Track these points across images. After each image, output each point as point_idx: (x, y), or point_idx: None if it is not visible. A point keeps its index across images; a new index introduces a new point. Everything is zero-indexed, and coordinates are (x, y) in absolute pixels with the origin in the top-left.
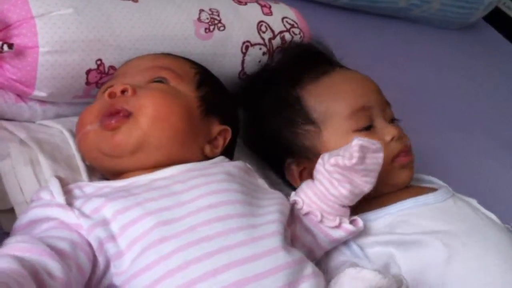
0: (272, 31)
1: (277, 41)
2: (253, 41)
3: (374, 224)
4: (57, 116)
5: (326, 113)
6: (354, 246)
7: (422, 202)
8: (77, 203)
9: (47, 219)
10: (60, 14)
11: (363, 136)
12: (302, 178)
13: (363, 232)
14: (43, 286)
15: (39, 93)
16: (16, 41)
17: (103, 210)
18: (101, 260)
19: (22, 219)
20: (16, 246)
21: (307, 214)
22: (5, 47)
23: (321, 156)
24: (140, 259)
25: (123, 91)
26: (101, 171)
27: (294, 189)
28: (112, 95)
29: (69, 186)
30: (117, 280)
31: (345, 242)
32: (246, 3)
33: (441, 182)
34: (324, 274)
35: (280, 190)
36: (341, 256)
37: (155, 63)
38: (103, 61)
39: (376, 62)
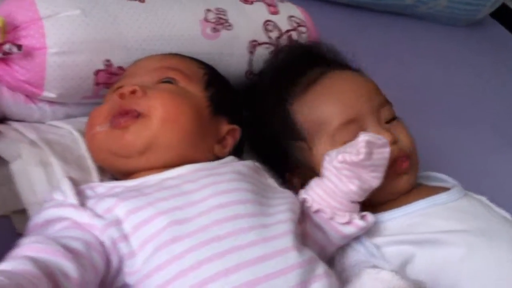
0: (279, 30)
1: (284, 40)
2: (260, 40)
3: (390, 224)
4: (67, 117)
5: (314, 129)
6: (370, 245)
7: (436, 202)
8: (90, 203)
9: (60, 219)
10: (67, 15)
11: None
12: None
13: (378, 232)
14: (58, 287)
15: (48, 94)
16: (24, 42)
17: (116, 210)
18: (114, 259)
19: (36, 219)
20: (31, 246)
21: (317, 211)
22: (14, 49)
23: (327, 153)
24: (153, 259)
25: (132, 92)
26: (110, 171)
27: None
28: (122, 96)
29: (80, 186)
30: (130, 280)
31: (360, 241)
32: (252, 2)
33: (452, 180)
34: (341, 273)
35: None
36: (357, 255)
37: (164, 63)
38: (111, 61)
39: (382, 59)
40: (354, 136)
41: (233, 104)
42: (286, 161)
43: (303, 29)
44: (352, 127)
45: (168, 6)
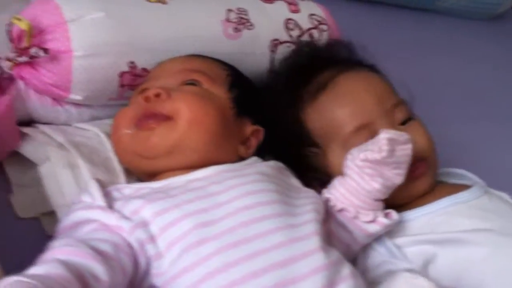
0: (300, 28)
1: (305, 38)
2: (281, 39)
3: (411, 223)
4: (93, 119)
5: (327, 136)
6: (391, 246)
7: (458, 200)
8: (117, 205)
9: (89, 221)
10: (92, 18)
11: None
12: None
13: (400, 232)
14: None
15: (75, 96)
16: (50, 46)
17: (142, 212)
18: (142, 261)
19: (65, 221)
20: (62, 249)
21: (341, 210)
22: (40, 53)
23: (349, 151)
24: (180, 261)
25: (157, 95)
26: (136, 173)
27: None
28: (147, 99)
29: (107, 188)
30: (157, 281)
31: (381, 242)
32: (273, 1)
33: (474, 177)
34: (363, 273)
35: None
36: (379, 256)
37: (187, 65)
38: (136, 63)
39: (403, 55)
40: (367, 141)
41: (256, 105)
42: (302, 166)
43: (324, 27)
44: (365, 131)
45: (190, 7)
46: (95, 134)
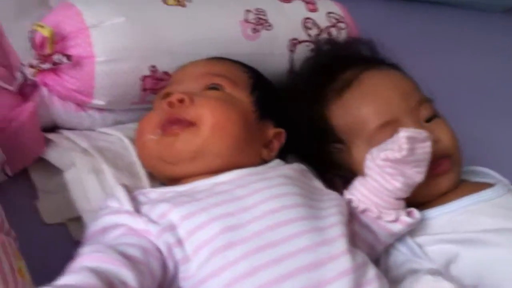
0: (318, 27)
1: (323, 37)
2: (300, 38)
3: (433, 222)
4: (116, 123)
5: (351, 133)
6: (412, 245)
7: (480, 198)
8: (144, 209)
9: (117, 225)
10: (113, 23)
11: None
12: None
13: (422, 230)
14: None
15: (98, 101)
16: (72, 52)
17: (170, 215)
18: (170, 265)
19: (93, 226)
20: (91, 256)
21: (364, 211)
22: (64, 59)
23: (369, 151)
24: (207, 264)
25: (180, 101)
26: (159, 178)
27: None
28: (170, 105)
29: (134, 193)
30: (185, 285)
31: (403, 241)
32: (290, 1)
33: (496, 174)
34: (385, 272)
35: None
36: (401, 255)
37: (209, 69)
38: (157, 67)
39: (419, 50)
40: (391, 137)
41: (278, 107)
42: (325, 162)
43: (342, 25)
44: (390, 128)
45: (208, 9)
46: (118, 138)
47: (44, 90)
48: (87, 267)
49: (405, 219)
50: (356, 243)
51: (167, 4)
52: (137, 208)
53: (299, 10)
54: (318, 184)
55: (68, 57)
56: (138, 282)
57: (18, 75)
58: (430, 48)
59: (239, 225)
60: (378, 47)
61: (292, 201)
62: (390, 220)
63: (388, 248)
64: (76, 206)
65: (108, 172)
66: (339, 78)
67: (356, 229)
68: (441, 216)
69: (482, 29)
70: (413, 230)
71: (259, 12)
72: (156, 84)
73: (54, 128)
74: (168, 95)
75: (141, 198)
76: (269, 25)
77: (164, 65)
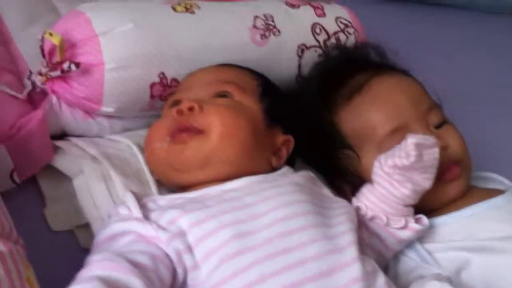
0: (327, 32)
1: (332, 42)
2: (308, 43)
3: (442, 229)
4: (124, 130)
5: (360, 139)
6: (422, 251)
7: (491, 206)
8: (153, 216)
9: (126, 233)
10: (122, 30)
11: None
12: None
13: (431, 237)
14: None
15: (107, 108)
16: (81, 59)
17: (179, 221)
18: (179, 272)
19: (102, 234)
20: (100, 264)
21: (372, 218)
22: (73, 67)
23: (377, 158)
24: (217, 272)
25: (190, 109)
26: (168, 185)
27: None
28: (179, 112)
29: (143, 200)
30: None
31: (413, 247)
32: (299, 6)
33: (506, 180)
34: (395, 278)
35: None
36: (410, 262)
37: (218, 76)
38: (165, 74)
39: (430, 53)
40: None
41: (287, 114)
42: (334, 168)
43: (350, 30)
44: (399, 134)
45: (217, 16)
46: (127, 146)
47: (53, 98)
48: (97, 276)
49: (413, 226)
50: (364, 251)
51: (176, 11)
52: (146, 215)
53: (308, 16)
54: (327, 191)
55: (77, 64)
56: None
57: (27, 82)
58: (440, 51)
59: (250, 232)
60: (386, 51)
61: (303, 208)
62: (398, 227)
63: (398, 255)
64: (84, 213)
65: (116, 179)
66: (348, 84)
67: (365, 237)
68: (450, 223)
69: (494, 31)
70: (422, 237)
71: (267, 18)
72: (164, 91)
73: (62, 135)
74: (177, 102)
75: (150, 204)
76: (278, 31)
77: (173, 71)
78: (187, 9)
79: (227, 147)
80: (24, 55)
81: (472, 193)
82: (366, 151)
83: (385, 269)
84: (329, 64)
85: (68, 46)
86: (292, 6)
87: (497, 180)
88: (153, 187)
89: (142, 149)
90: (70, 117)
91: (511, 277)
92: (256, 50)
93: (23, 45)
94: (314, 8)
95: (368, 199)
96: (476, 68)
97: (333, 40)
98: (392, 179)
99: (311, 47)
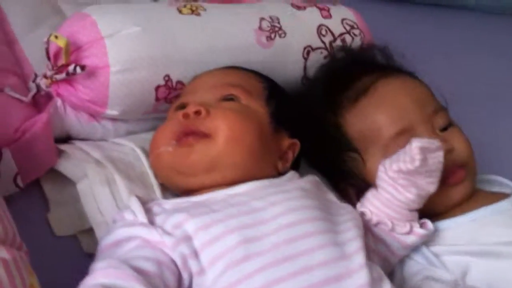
0: (333, 34)
1: (337, 44)
2: (314, 45)
3: (447, 233)
4: (128, 133)
5: (365, 141)
6: (428, 254)
7: (495, 210)
8: (158, 220)
9: (131, 238)
10: (128, 33)
11: None
12: (360, 199)
13: (435, 241)
14: None
15: (111, 111)
16: (87, 62)
17: (185, 226)
18: (185, 277)
19: (107, 239)
20: (104, 271)
21: (377, 224)
22: (78, 69)
23: (381, 163)
24: (223, 277)
25: (196, 112)
26: (173, 189)
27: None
28: (186, 116)
29: (148, 204)
30: None
31: (419, 251)
32: (305, 8)
33: (511, 183)
34: (401, 283)
35: None
36: (416, 265)
37: (224, 79)
38: (171, 76)
39: (434, 54)
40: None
41: (293, 118)
42: (338, 171)
43: (356, 31)
44: (405, 136)
45: (223, 18)
46: (131, 149)
47: (58, 101)
48: (101, 284)
49: (418, 230)
50: (371, 257)
51: (182, 14)
52: (151, 219)
53: (314, 17)
54: (332, 197)
55: (83, 67)
56: None
57: (32, 85)
58: (440, 52)
59: (257, 238)
60: (392, 52)
61: (310, 214)
62: (404, 232)
63: (404, 259)
64: (88, 218)
65: (120, 183)
66: (354, 86)
67: (370, 242)
68: (454, 227)
69: (497, 32)
70: (427, 241)
71: (273, 19)
72: (169, 94)
73: (67, 138)
74: (183, 106)
75: (156, 208)
76: (283, 33)
77: (178, 74)
78: (192, 11)
79: (234, 152)
80: (29, 58)
81: (477, 197)
82: (371, 153)
83: (391, 274)
84: (335, 66)
85: (73, 48)
86: (298, 7)
87: (503, 183)
88: (157, 191)
89: (146, 153)
90: (74, 120)
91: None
92: (262, 52)
93: (28, 47)
94: (320, 9)
95: (373, 204)
96: (478, 69)
97: (339, 41)
98: (397, 183)
99: (317, 48)
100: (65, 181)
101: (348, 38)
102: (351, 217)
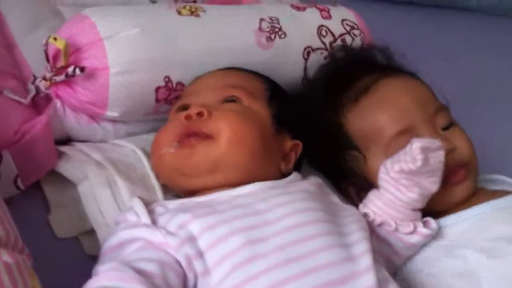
0: (333, 34)
1: (338, 45)
2: (314, 46)
3: (448, 230)
4: (128, 135)
5: (367, 140)
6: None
7: (496, 206)
8: (162, 220)
9: (134, 240)
10: (127, 34)
11: None
12: (361, 198)
13: (439, 237)
14: None
15: (111, 113)
16: (86, 63)
17: (189, 226)
18: (190, 277)
19: (111, 241)
20: (107, 274)
21: (380, 224)
22: (77, 71)
23: (382, 164)
24: (229, 278)
25: (199, 114)
26: (175, 190)
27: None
28: (188, 117)
29: (151, 205)
30: None
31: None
32: (304, 9)
33: None
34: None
35: None
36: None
37: (226, 80)
38: (171, 77)
39: (435, 56)
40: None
41: (295, 119)
42: (339, 170)
43: (356, 32)
44: (406, 136)
45: (222, 19)
46: (131, 150)
47: (57, 103)
48: (103, 286)
49: (422, 230)
50: (375, 258)
51: (181, 15)
52: (154, 219)
53: (313, 18)
54: (335, 199)
55: (82, 69)
56: None
57: (31, 87)
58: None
59: (261, 239)
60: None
61: (314, 216)
62: (407, 232)
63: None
64: (89, 220)
65: (121, 185)
66: (355, 86)
67: (374, 244)
68: (457, 224)
69: (499, 34)
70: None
71: (273, 20)
72: (169, 95)
73: (67, 140)
74: (185, 107)
75: (159, 209)
76: (283, 33)
77: (178, 75)
78: (192, 13)
79: (236, 154)
80: (28, 60)
81: (479, 195)
82: (372, 153)
83: (394, 275)
84: (335, 66)
85: (72, 50)
86: (298, 8)
87: (506, 182)
88: (159, 192)
89: (147, 154)
90: (74, 122)
91: None
92: (262, 53)
93: (27, 49)
94: (320, 10)
95: (375, 205)
96: (479, 70)
97: (339, 42)
98: (399, 184)
99: (317, 49)
100: (66, 183)
101: (348, 39)
102: (356, 219)
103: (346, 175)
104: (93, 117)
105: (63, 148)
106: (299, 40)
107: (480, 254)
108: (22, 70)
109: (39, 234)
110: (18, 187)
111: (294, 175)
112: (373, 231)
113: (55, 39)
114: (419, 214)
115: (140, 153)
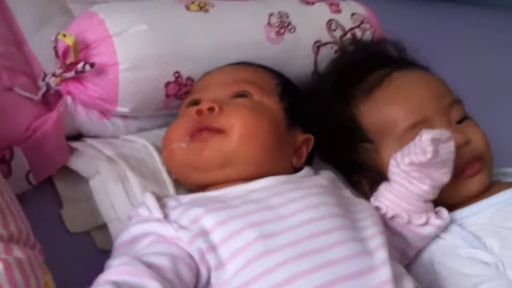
0: (342, 28)
1: (348, 38)
2: (323, 40)
3: (469, 220)
4: (139, 130)
5: (381, 133)
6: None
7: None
8: (174, 214)
9: (146, 234)
10: (136, 30)
11: None
12: (374, 191)
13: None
14: None
15: (122, 108)
16: (95, 60)
17: (202, 220)
18: (203, 271)
19: (123, 236)
20: (117, 269)
21: (393, 217)
22: (87, 67)
23: (392, 157)
24: (244, 272)
25: (210, 109)
26: (187, 185)
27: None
28: (199, 112)
29: (163, 200)
30: None
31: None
32: (313, 3)
33: None
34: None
35: None
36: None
37: (237, 75)
38: (181, 73)
39: (447, 51)
40: None
41: (307, 113)
42: (352, 163)
43: (366, 25)
44: (420, 129)
45: (231, 14)
46: (143, 146)
47: (68, 99)
48: (113, 281)
49: (435, 221)
50: (390, 252)
51: (190, 10)
52: (166, 214)
53: (323, 12)
54: (348, 193)
55: (92, 65)
56: None
57: (42, 84)
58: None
59: (276, 233)
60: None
61: (329, 211)
62: (420, 223)
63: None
64: (101, 215)
65: (133, 180)
66: (367, 78)
67: (387, 236)
68: (477, 213)
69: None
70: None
71: (282, 15)
72: (179, 90)
73: (78, 136)
74: (196, 102)
75: (171, 203)
76: (293, 28)
77: (188, 70)
78: (201, 8)
79: (248, 149)
80: (38, 57)
81: (494, 187)
82: (386, 145)
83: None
84: (347, 59)
85: (82, 47)
86: (307, 3)
87: None
88: (170, 187)
89: (159, 149)
90: (85, 118)
91: None
92: (271, 48)
93: (37, 46)
94: (330, 4)
95: (387, 198)
96: (488, 65)
97: (349, 36)
98: (410, 176)
99: (327, 43)
100: (78, 179)
101: (358, 33)
102: (370, 214)
103: (358, 168)
104: (104, 113)
105: (75, 144)
106: (308, 34)
107: (503, 241)
108: (32, 67)
109: (52, 229)
110: (30, 183)
111: (307, 170)
112: (385, 224)
113: (64, 35)
114: (431, 205)
115: (151, 148)
